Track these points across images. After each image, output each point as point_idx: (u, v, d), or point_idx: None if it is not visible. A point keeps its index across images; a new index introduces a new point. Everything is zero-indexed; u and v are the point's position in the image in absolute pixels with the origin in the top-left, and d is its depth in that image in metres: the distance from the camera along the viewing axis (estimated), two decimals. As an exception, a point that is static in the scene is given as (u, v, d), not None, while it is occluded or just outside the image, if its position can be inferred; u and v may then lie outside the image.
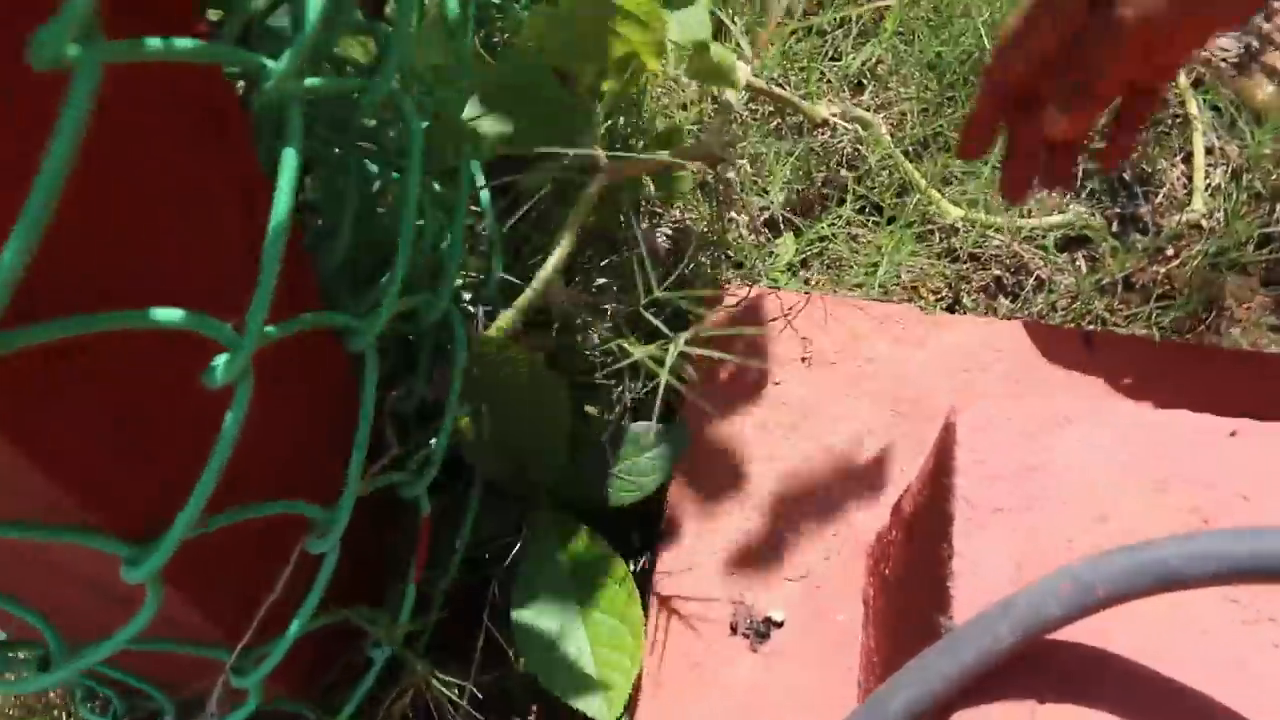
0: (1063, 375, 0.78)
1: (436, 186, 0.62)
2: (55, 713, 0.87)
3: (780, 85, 1.11)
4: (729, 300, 0.81)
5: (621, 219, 0.76)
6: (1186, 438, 0.47)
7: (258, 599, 0.54)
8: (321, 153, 0.53)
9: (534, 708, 0.76)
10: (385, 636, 0.61)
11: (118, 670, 0.62)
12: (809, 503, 0.73)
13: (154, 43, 0.30)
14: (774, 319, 0.80)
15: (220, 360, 0.37)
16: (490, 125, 0.69)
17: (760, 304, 0.82)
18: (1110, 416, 0.47)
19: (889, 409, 0.77)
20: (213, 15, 0.44)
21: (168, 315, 0.34)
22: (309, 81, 0.38)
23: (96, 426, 0.38)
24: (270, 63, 0.34)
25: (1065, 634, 0.42)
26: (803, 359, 0.78)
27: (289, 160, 0.35)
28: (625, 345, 0.66)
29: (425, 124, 0.49)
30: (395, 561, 0.66)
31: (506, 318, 0.69)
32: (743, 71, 0.75)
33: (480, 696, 0.71)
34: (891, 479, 0.73)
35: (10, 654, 0.55)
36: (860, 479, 0.74)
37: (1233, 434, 0.47)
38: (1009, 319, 0.92)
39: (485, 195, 0.65)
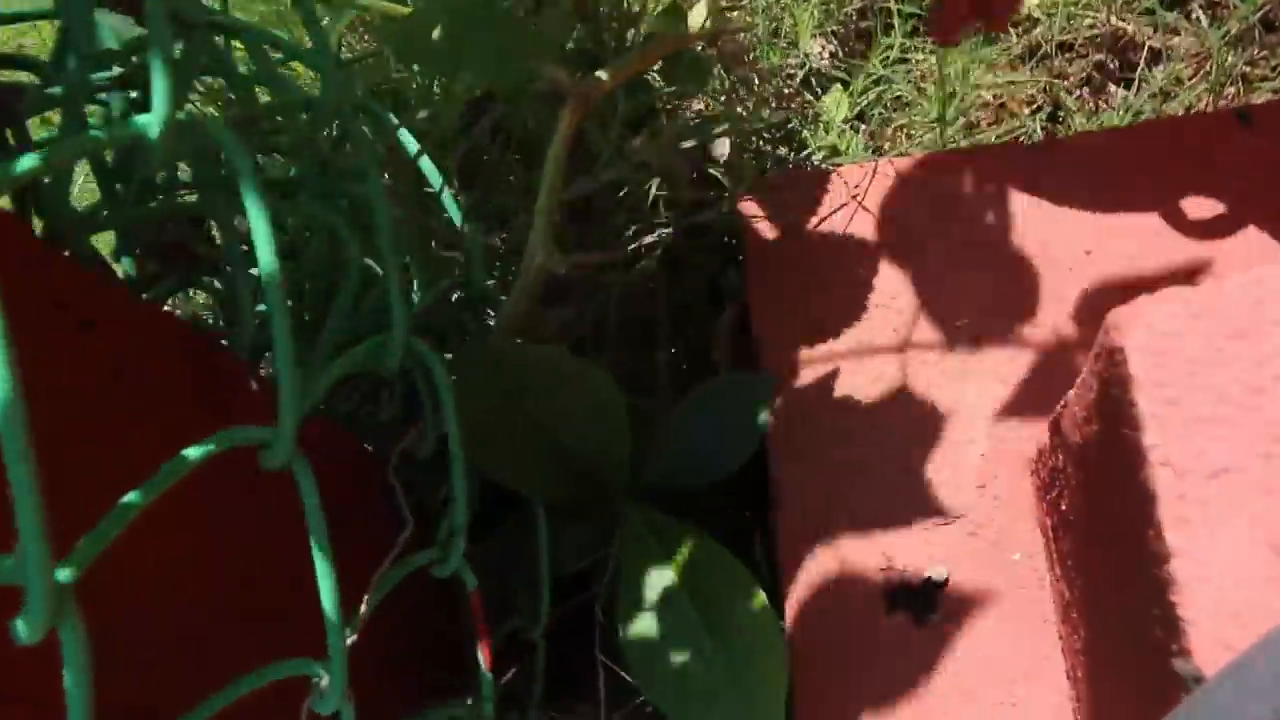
0: (1230, 181, 0.60)
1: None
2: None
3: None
4: (785, 194, 0.66)
5: (619, 142, 0.61)
6: None
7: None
8: (183, 208, 0.40)
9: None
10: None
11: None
12: (940, 422, 0.59)
13: None
14: (842, 205, 0.65)
15: (22, 610, 0.25)
16: (435, 70, 0.55)
17: (820, 189, 0.66)
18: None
19: (1008, 281, 0.61)
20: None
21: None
22: (21, 166, 0.25)
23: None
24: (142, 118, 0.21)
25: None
26: (886, 245, 0.63)
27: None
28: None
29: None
30: (463, 638, 0.55)
31: (508, 311, 0.56)
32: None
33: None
34: (1037, 370, 0.58)
35: None
36: (994, 378, 0.59)
37: None
38: (1130, 125, 0.73)
39: (429, 169, 0.51)
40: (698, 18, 0.59)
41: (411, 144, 0.51)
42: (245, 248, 0.39)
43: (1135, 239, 0.60)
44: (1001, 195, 0.63)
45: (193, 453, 0.32)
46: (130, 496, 0.30)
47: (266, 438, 0.34)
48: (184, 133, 0.31)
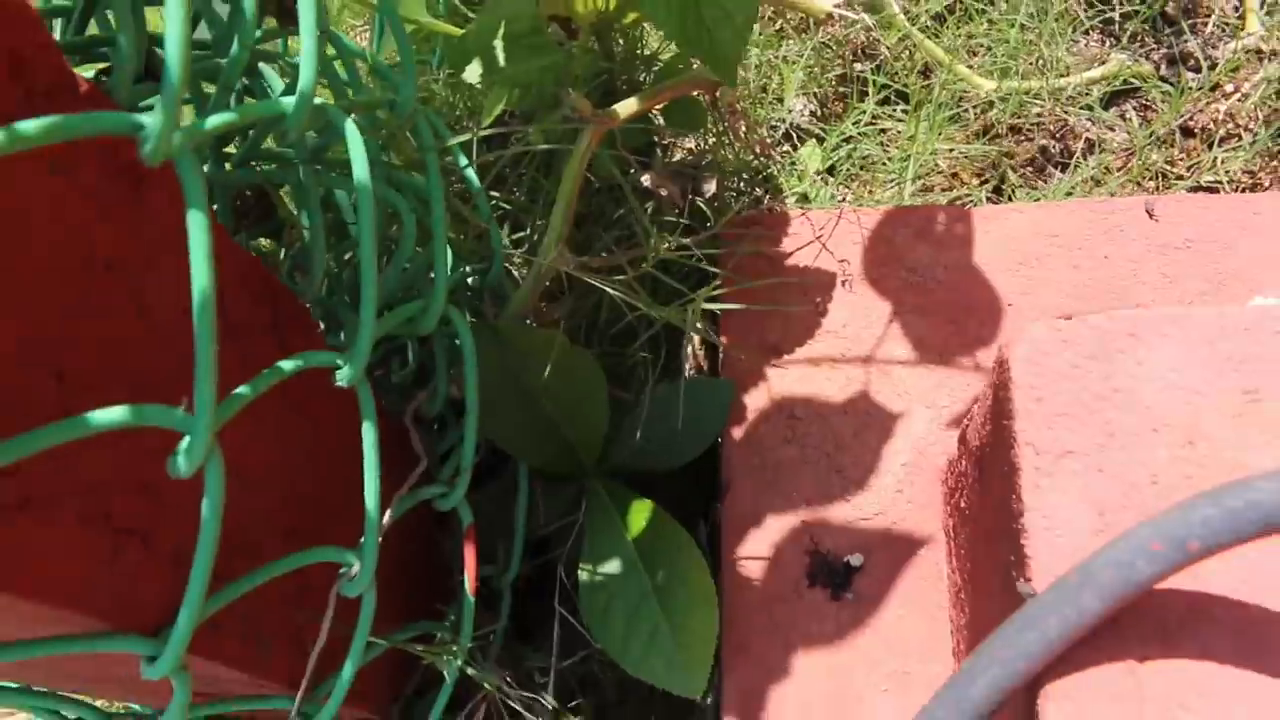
0: (1128, 255, 0.72)
1: (415, 175, 0.58)
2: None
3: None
4: (755, 231, 0.76)
5: (626, 169, 0.71)
6: (1273, 334, 0.41)
7: (308, 645, 0.52)
8: (277, 177, 0.49)
9: (617, 688, 0.74)
10: (447, 655, 0.58)
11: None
12: (871, 434, 0.69)
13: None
14: (807, 244, 0.75)
15: (181, 447, 0.34)
16: (486, 81, 0.64)
17: (788, 229, 0.76)
18: (1183, 322, 0.42)
19: (944, 320, 0.71)
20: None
21: (106, 417, 0.31)
22: (210, 121, 0.34)
23: (77, 532, 0.36)
24: (146, 120, 0.30)
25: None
26: (842, 282, 0.73)
27: (196, 227, 0.31)
28: (642, 307, 0.62)
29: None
30: (455, 571, 0.64)
31: (519, 298, 0.65)
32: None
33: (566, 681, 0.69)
34: (958, 397, 0.68)
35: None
36: (922, 401, 0.69)
37: (1325, 320, 0.41)
38: (1057, 202, 0.85)
39: (472, 175, 0.61)
40: (702, 70, 0.69)
41: (462, 156, 0.61)
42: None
43: (1051, 293, 0.71)
44: (945, 248, 0.74)
45: (287, 364, 0.41)
46: (241, 389, 0.39)
47: (341, 361, 0.43)
48: (315, 113, 0.40)
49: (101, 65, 0.46)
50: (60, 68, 0.34)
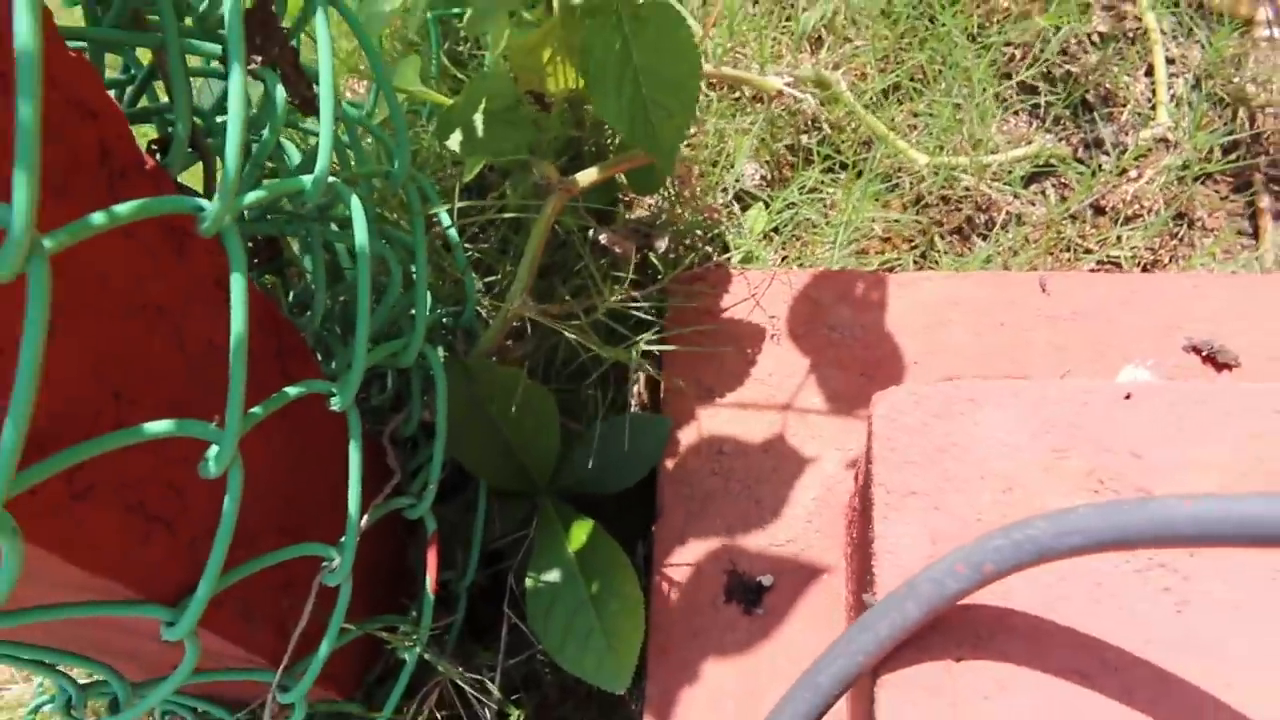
0: (1022, 324, 0.82)
1: (402, 225, 0.68)
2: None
3: (739, 55, 1.14)
4: (698, 286, 0.87)
5: (584, 229, 0.82)
6: (1085, 405, 0.52)
7: (291, 625, 0.61)
8: (286, 228, 0.59)
9: (559, 690, 0.83)
10: (408, 643, 0.68)
11: (186, 697, 0.70)
12: (787, 471, 0.79)
13: (96, 218, 0.36)
14: (743, 300, 0.86)
15: (210, 454, 0.43)
16: (467, 150, 0.74)
17: (728, 286, 0.87)
18: (1014, 392, 0.52)
19: (858, 374, 0.82)
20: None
21: (157, 428, 0.41)
22: (248, 198, 0.44)
23: (120, 518, 0.45)
24: (206, 204, 0.40)
25: (974, 597, 0.47)
26: (771, 336, 0.84)
27: (237, 287, 0.41)
28: (594, 348, 0.72)
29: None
30: (418, 571, 0.73)
31: (487, 337, 0.75)
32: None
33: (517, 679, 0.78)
34: (864, 442, 0.79)
35: (91, 698, 0.64)
36: (833, 444, 0.79)
37: (1128, 397, 0.52)
38: (964, 273, 0.96)
39: (453, 233, 0.71)
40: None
41: (444, 216, 0.71)
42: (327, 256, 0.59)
43: (951, 356, 0.82)
44: (864, 309, 0.85)
45: (292, 390, 0.51)
46: (255, 409, 0.49)
47: (335, 389, 0.53)
48: (328, 189, 0.50)
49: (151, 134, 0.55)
50: (134, 151, 0.43)
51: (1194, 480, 0.49)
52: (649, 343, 0.77)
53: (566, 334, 0.74)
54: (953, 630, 0.48)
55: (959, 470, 0.51)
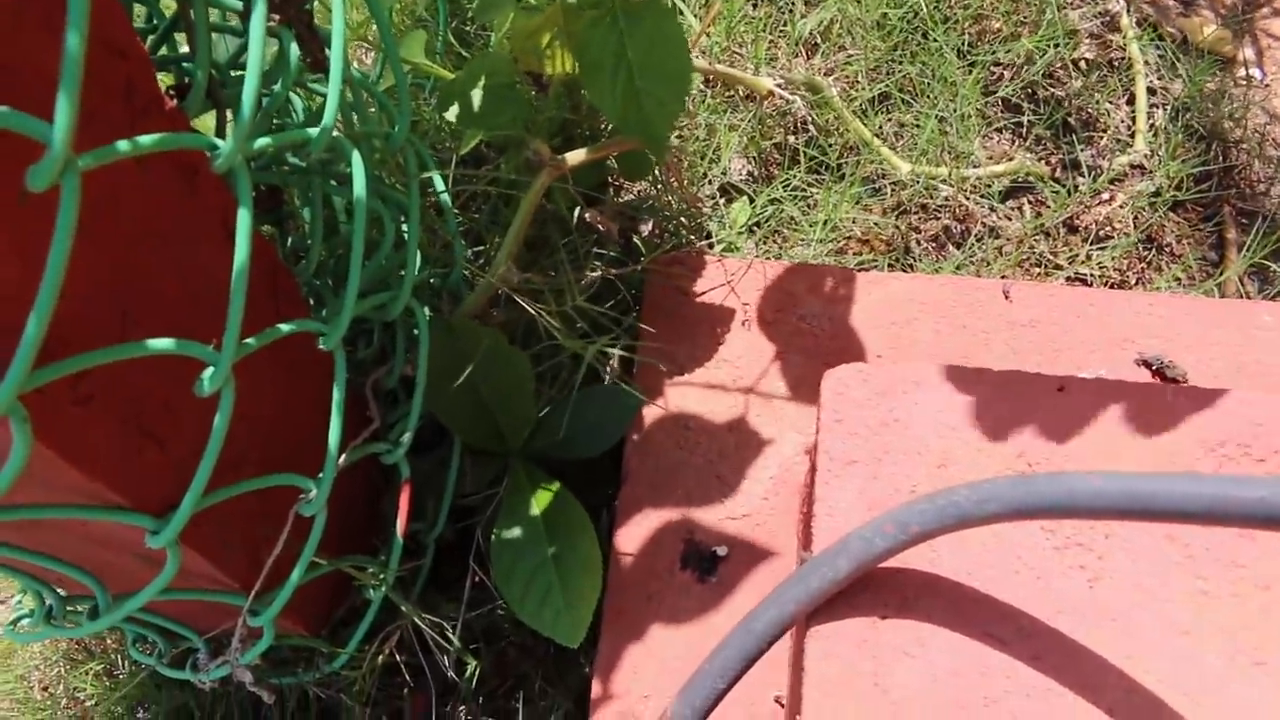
0: (983, 327, 0.87)
1: (398, 187, 0.71)
2: (112, 655, 1.00)
3: (736, 54, 1.18)
4: (676, 269, 0.90)
5: (573, 207, 0.85)
6: (1021, 394, 0.56)
7: (265, 554, 0.65)
8: (289, 179, 0.62)
9: (514, 640, 0.87)
10: (374, 582, 0.71)
11: (159, 617, 0.73)
12: (748, 449, 0.83)
13: (122, 145, 0.39)
14: (719, 285, 0.89)
15: (205, 374, 0.47)
16: (464, 121, 0.78)
17: (705, 271, 0.90)
18: (954, 378, 0.56)
19: (821, 363, 0.86)
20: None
21: (160, 344, 0.44)
22: (258, 143, 0.48)
23: (117, 429, 0.48)
24: (219, 143, 0.43)
25: (903, 561, 0.51)
26: (743, 321, 0.87)
27: (243, 220, 0.44)
28: (559, 338, 0.76)
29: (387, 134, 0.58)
30: (390, 519, 0.77)
31: (470, 300, 0.78)
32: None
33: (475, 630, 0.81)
34: (822, 426, 0.83)
35: (69, 607, 0.67)
36: (794, 427, 0.83)
37: (1060, 389, 0.56)
38: (930, 275, 1.00)
39: (446, 199, 0.74)
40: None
41: (439, 180, 0.75)
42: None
43: (913, 351, 0.86)
44: (833, 302, 0.89)
45: (285, 326, 0.55)
46: (249, 340, 0.52)
47: (327, 329, 0.56)
48: (332, 142, 0.54)
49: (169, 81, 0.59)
50: (156, 92, 0.47)
51: (1111, 468, 0.53)
52: (615, 339, 0.80)
53: (539, 316, 0.77)
54: (882, 590, 0.51)
55: (898, 444, 0.55)
